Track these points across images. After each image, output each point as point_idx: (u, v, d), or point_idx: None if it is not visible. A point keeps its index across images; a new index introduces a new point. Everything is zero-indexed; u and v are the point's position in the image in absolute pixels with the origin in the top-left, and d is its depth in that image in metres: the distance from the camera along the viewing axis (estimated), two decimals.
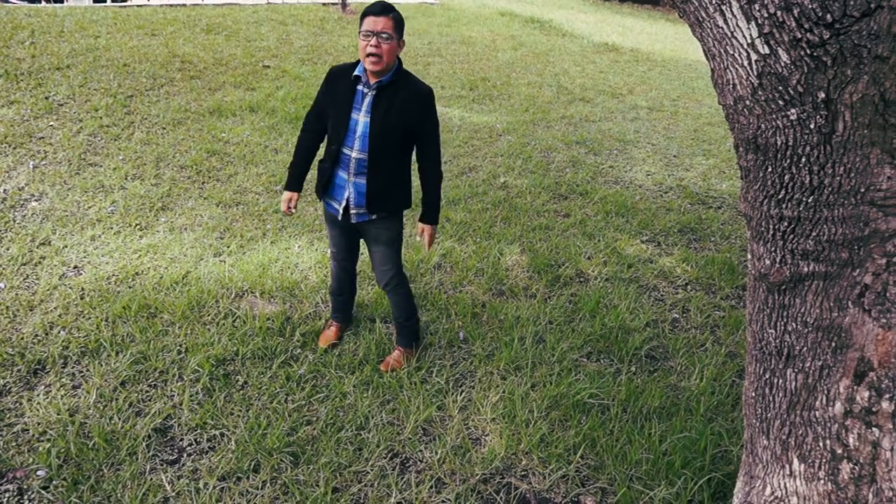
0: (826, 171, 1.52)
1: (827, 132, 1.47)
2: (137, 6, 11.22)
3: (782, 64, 1.43)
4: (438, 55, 10.45)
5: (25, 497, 2.33)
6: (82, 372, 2.95)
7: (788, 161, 1.55)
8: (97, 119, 5.90)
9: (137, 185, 4.80)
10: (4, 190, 4.51)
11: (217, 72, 7.80)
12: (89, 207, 4.43)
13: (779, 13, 1.37)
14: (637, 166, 6.48)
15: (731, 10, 1.45)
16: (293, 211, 2.99)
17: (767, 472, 1.89)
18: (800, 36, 1.37)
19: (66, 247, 3.93)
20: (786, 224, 1.63)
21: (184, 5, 11.79)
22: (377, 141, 2.66)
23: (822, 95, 1.42)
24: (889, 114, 1.41)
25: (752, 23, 1.42)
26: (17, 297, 3.41)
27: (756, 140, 1.59)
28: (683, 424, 2.88)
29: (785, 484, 1.83)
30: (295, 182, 2.97)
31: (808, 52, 1.38)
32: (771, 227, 1.67)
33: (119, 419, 2.69)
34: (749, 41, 1.45)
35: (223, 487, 2.43)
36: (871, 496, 1.67)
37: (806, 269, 1.64)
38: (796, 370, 1.75)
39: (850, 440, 1.67)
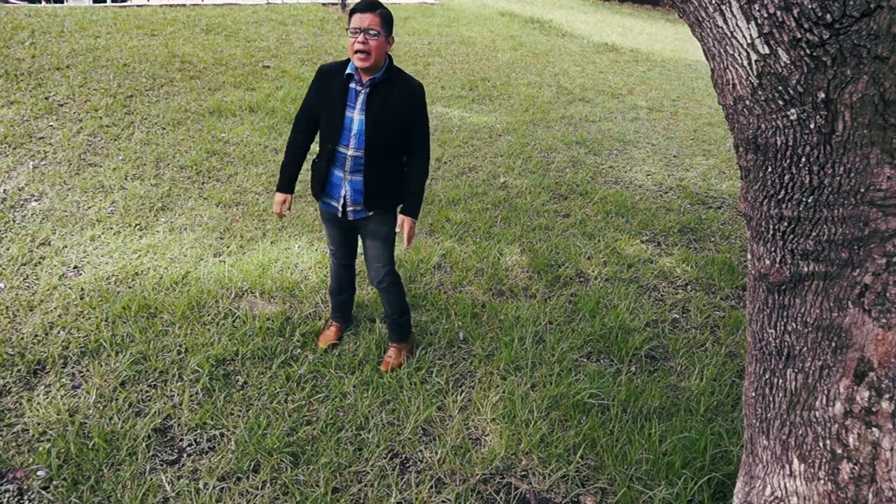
0: (826, 171, 1.52)
1: (827, 132, 1.47)
2: (137, 6, 11.22)
3: (782, 64, 1.43)
4: (438, 55, 10.45)
5: (25, 497, 2.33)
6: (82, 372, 2.95)
7: (788, 161, 1.55)
8: (97, 119, 5.90)
9: (137, 186, 4.80)
10: (4, 190, 4.51)
11: (217, 72, 7.80)
12: (89, 207, 4.43)
13: (778, 13, 1.37)
14: (637, 166, 6.48)
15: (731, 10, 1.45)
16: (286, 214, 2.97)
17: (767, 472, 1.89)
18: (799, 36, 1.37)
19: (66, 247, 3.93)
20: (786, 224, 1.63)
21: (183, 5, 11.80)
22: (373, 138, 2.67)
23: (822, 95, 1.42)
24: (889, 114, 1.42)
25: (752, 23, 1.42)
26: (17, 297, 3.41)
27: (756, 140, 1.59)
28: (683, 424, 2.88)
29: (785, 484, 1.83)
30: (287, 184, 2.94)
31: (808, 52, 1.38)
32: (771, 227, 1.67)
33: (119, 419, 2.69)
34: (749, 41, 1.45)
35: (223, 487, 2.43)
36: (871, 496, 1.67)
37: (806, 269, 1.64)
38: (796, 370, 1.75)
39: (850, 440, 1.67)
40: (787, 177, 1.57)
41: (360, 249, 3.28)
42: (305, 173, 5.35)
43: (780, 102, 1.48)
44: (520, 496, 2.52)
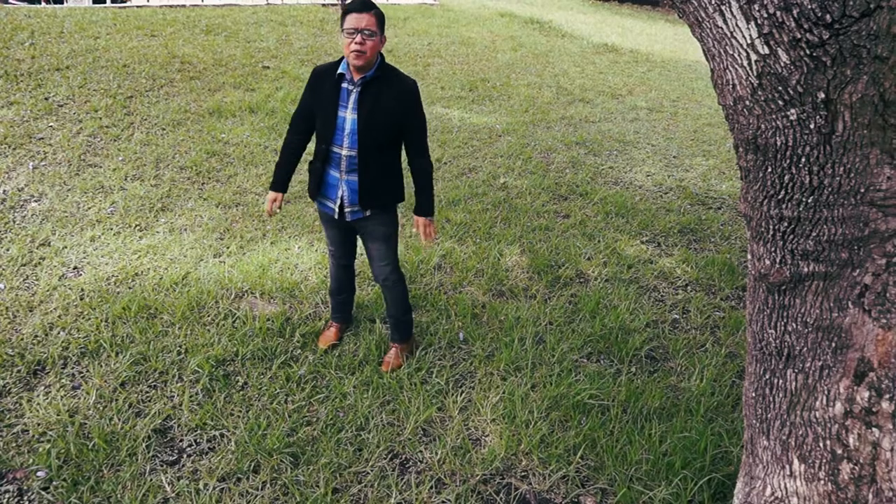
0: (826, 172, 1.52)
1: (827, 132, 1.47)
2: (137, 7, 11.22)
3: (782, 64, 1.43)
4: (438, 56, 10.45)
5: (25, 498, 2.32)
6: (82, 373, 2.95)
7: (788, 161, 1.55)
8: (97, 120, 5.90)
9: (137, 186, 4.80)
10: (4, 191, 4.51)
11: (217, 73, 7.80)
12: (89, 208, 4.43)
13: (778, 13, 1.37)
14: (637, 167, 6.48)
15: (731, 11, 1.45)
16: (277, 211, 2.99)
17: (768, 473, 1.89)
18: (799, 36, 1.37)
19: (66, 247, 3.93)
20: (786, 224, 1.63)
21: (183, 6, 11.80)
22: (366, 137, 2.67)
23: (822, 96, 1.42)
24: (888, 114, 1.42)
25: (752, 23, 1.42)
26: (17, 297, 3.41)
27: (756, 140, 1.59)
28: (683, 425, 2.88)
29: (785, 484, 1.83)
30: (280, 183, 2.96)
31: (808, 52, 1.38)
32: (771, 227, 1.67)
33: (119, 420, 2.69)
34: (749, 41, 1.45)
35: (223, 488, 2.43)
36: (871, 496, 1.67)
37: (806, 269, 1.64)
38: (796, 370, 1.75)
39: (851, 440, 1.67)
40: (787, 177, 1.57)
41: (360, 249, 3.27)
42: (305, 173, 5.35)
43: (780, 103, 1.48)
44: (520, 497, 2.52)
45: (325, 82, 2.73)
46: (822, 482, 1.74)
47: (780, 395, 1.81)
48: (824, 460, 1.73)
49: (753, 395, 1.91)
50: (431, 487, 2.52)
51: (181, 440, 2.65)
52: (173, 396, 2.86)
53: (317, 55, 9.30)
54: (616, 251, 4.58)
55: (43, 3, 10.99)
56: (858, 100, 1.40)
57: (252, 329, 3.31)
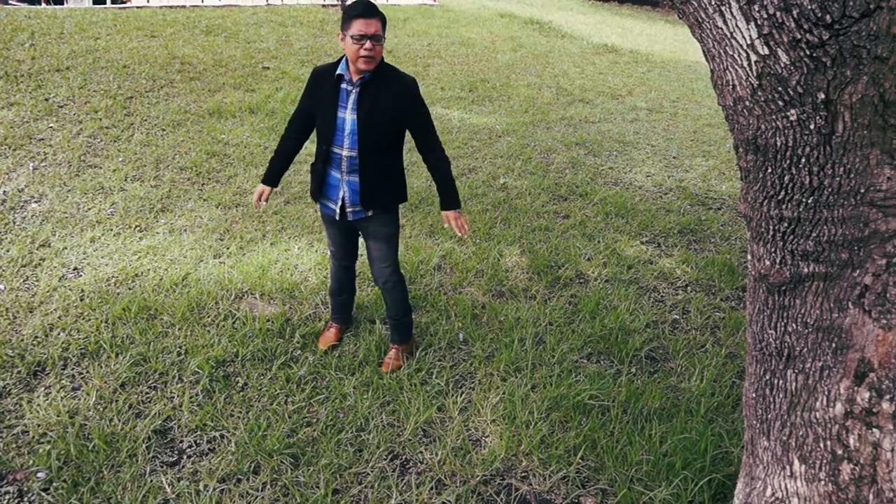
0: (826, 172, 1.52)
1: (827, 133, 1.47)
2: (137, 8, 11.23)
3: (782, 65, 1.43)
4: (438, 56, 10.45)
5: (25, 499, 2.32)
6: (82, 374, 2.95)
7: (788, 162, 1.55)
8: (97, 121, 5.90)
9: (137, 187, 4.80)
10: (4, 192, 4.51)
11: (216, 73, 7.80)
12: (89, 209, 4.43)
13: (778, 14, 1.37)
14: (637, 167, 6.48)
15: (731, 11, 1.45)
16: (263, 203, 2.98)
17: (768, 473, 1.89)
18: (799, 37, 1.37)
19: (66, 248, 3.93)
20: (786, 225, 1.63)
21: (183, 7, 11.80)
22: (365, 137, 2.67)
23: (822, 96, 1.42)
24: (888, 114, 1.42)
25: (752, 23, 1.42)
26: (17, 298, 3.41)
27: (756, 141, 1.59)
28: (684, 425, 2.88)
29: (786, 485, 1.83)
30: (271, 177, 2.98)
31: (808, 52, 1.38)
32: (771, 227, 1.67)
33: (119, 421, 2.68)
34: (748, 42, 1.45)
35: (223, 489, 2.43)
36: (871, 497, 1.67)
37: (806, 269, 1.64)
38: (796, 371, 1.75)
39: (851, 441, 1.67)
40: (786, 177, 1.57)
41: (361, 250, 3.27)
42: (305, 174, 5.36)
43: (780, 103, 1.49)
44: (520, 497, 2.52)
45: (324, 83, 2.73)
46: (822, 483, 1.74)
47: (781, 395, 1.81)
48: (825, 461, 1.73)
49: (754, 395, 1.91)
50: (432, 488, 2.52)
51: (181, 441, 2.65)
52: (173, 397, 2.86)
53: (317, 56, 9.30)
54: (616, 252, 4.58)
55: (43, 4, 10.99)
56: (858, 100, 1.40)
57: (252, 330, 3.31)
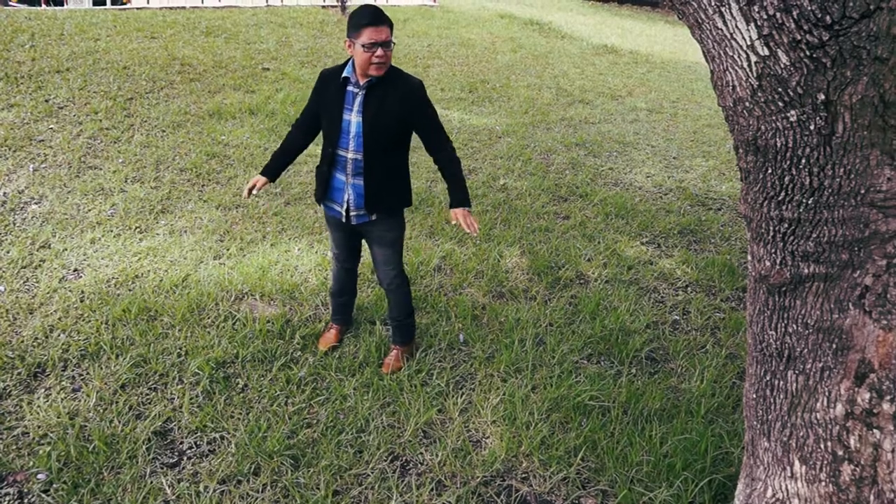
0: (826, 173, 1.52)
1: (827, 134, 1.47)
2: (137, 9, 11.23)
3: (782, 65, 1.43)
4: (438, 57, 10.46)
5: (26, 500, 2.32)
6: (82, 375, 2.95)
7: (788, 163, 1.55)
8: (97, 122, 5.90)
9: (137, 188, 4.80)
10: (4, 193, 4.51)
11: (216, 74, 7.81)
12: (89, 210, 4.43)
13: (778, 15, 1.37)
14: (637, 168, 6.48)
15: (731, 12, 1.45)
16: (254, 193, 2.92)
17: (769, 474, 1.89)
18: (799, 37, 1.37)
19: (66, 250, 3.93)
20: (786, 226, 1.63)
21: (183, 8, 11.81)
22: (371, 140, 2.67)
23: (822, 97, 1.42)
24: (888, 115, 1.42)
25: (752, 24, 1.42)
26: (17, 300, 3.41)
27: (756, 142, 1.59)
28: (684, 426, 2.88)
29: (786, 486, 1.83)
30: (270, 169, 2.94)
31: (808, 53, 1.38)
32: (771, 228, 1.67)
33: (119, 422, 2.68)
34: (748, 43, 1.45)
35: (223, 491, 2.43)
36: (872, 498, 1.67)
37: (806, 270, 1.64)
38: (797, 372, 1.75)
39: (852, 442, 1.67)
40: (787, 178, 1.57)
41: (363, 252, 3.27)
42: (305, 175, 5.36)
43: (780, 104, 1.48)
44: (520, 498, 2.52)
45: (330, 85, 2.73)
46: (823, 483, 1.74)
47: (781, 396, 1.81)
48: (825, 462, 1.73)
49: (754, 396, 1.90)
50: (432, 489, 2.51)
51: (181, 442, 2.65)
52: (173, 399, 2.86)
53: (317, 57, 9.30)
54: (616, 252, 4.58)
55: (43, 6, 11.00)
56: (858, 101, 1.40)
57: (252, 331, 3.31)
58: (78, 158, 5.16)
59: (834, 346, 1.67)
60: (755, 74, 1.48)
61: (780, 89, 1.46)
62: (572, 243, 4.64)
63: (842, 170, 1.50)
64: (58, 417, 2.67)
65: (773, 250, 1.69)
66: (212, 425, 2.73)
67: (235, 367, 3.08)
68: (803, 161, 1.53)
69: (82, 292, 3.53)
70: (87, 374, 2.96)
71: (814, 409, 1.73)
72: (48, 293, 3.49)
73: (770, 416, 1.86)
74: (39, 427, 2.62)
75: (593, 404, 2.99)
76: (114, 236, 4.14)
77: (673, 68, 12.34)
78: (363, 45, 2.51)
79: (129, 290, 3.59)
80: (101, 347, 3.11)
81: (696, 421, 2.93)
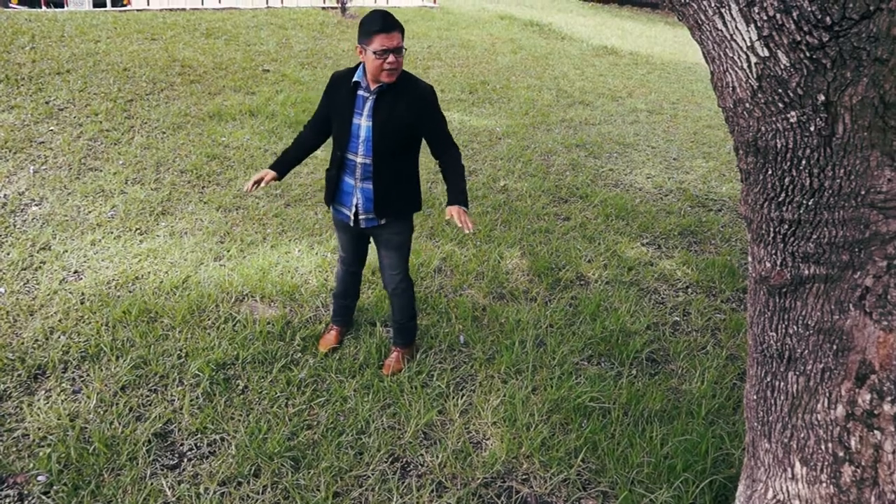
0: (826, 174, 1.52)
1: (827, 135, 1.47)
2: (137, 11, 11.24)
3: (782, 66, 1.43)
4: (438, 59, 10.46)
5: (26, 502, 2.32)
6: (83, 377, 2.95)
7: (788, 164, 1.55)
8: (97, 124, 5.90)
9: (137, 190, 4.80)
10: (5, 195, 4.52)
11: (217, 76, 7.81)
12: (89, 212, 4.43)
13: (778, 16, 1.37)
14: (637, 169, 6.48)
15: (731, 13, 1.45)
16: (261, 186, 2.85)
17: (769, 476, 1.89)
18: (799, 38, 1.37)
19: (67, 251, 3.94)
20: (786, 227, 1.63)
21: (184, 9, 11.82)
22: (380, 145, 2.67)
23: (822, 98, 1.42)
24: (889, 116, 1.42)
25: (752, 25, 1.42)
26: (18, 301, 3.41)
27: (756, 143, 1.59)
28: (685, 427, 2.88)
29: (787, 487, 1.83)
30: (279, 164, 2.92)
31: (808, 54, 1.38)
32: (771, 229, 1.67)
33: (119, 424, 2.68)
34: (748, 44, 1.45)
35: (224, 492, 2.43)
36: (873, 499, 1.66)
37: (807, 271, 1.64)
38: (797, 373, 1.75)
39: (852, 443, 1.67)
40: (787, 179, 1.57)
41: (369, 255, 3.27)
42: (306, 176, 5.36)
43: (780, 105, 1.48)
44: (521, 500, 2.51)
45: (340, 89, 2.73)
46: (823, 485, 1.74)
47: (782, 397, 1.81)
48: (826, 463, 1.72)
49: (755, 397, 1.90)
50: (432, 491, 2.51)
51: (182, 444, 2.64)
52: (174, 400, 2.86)
53: (317, 58, 9.31)
54: (616, 253, 4.57)
55: (43, 7, 11.01)
56: (858, 102, 1.40)
57: (252, 333, 3.31)
58: (78, 160, 5.17)
59: (834, 347, 1.67)
60: (755, 75, 1.48)
61: (780, 90, 1.46)
62: (573, 244, 4.64)
63: (842, 171, 1.50)
64: (58, 419, 2.67)
65: (773, 251, 1.69)
66: (212, 427, 2.73)
67: (236, 368, 3.08)
68: (803, 162, 1.53)
69: (82, 294, 3.53)
70: (88, 375, 2.95)
71: (814, 410, 1.73)
72: (48, 295, 3.49)
73: (771, 418, 1.85)
74: (39, 429, 2.62)
75: (594, 405, 2.99)
76: (114, 238, 4.14)
77: (673, 69, 12.34)
78: (375, 52, 2.50)
79: (130, 292, 3.59)
80: (101, 349, 3.11)
81: (697, 422, 2.93)
